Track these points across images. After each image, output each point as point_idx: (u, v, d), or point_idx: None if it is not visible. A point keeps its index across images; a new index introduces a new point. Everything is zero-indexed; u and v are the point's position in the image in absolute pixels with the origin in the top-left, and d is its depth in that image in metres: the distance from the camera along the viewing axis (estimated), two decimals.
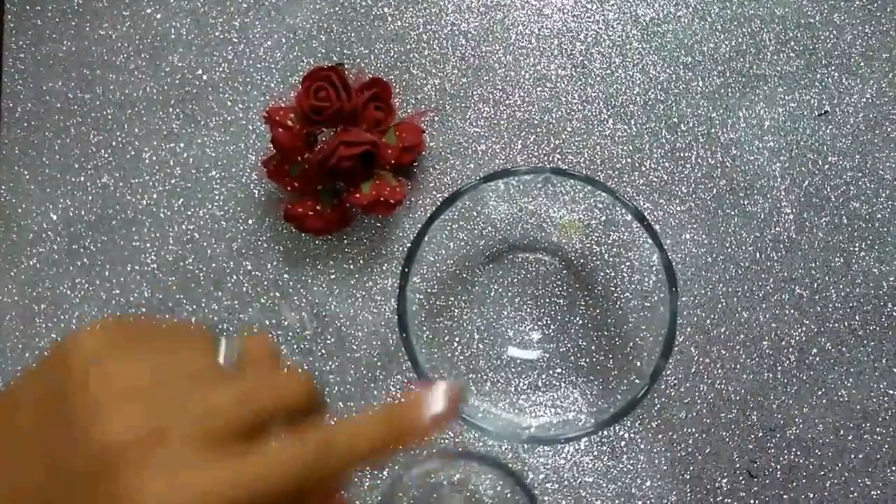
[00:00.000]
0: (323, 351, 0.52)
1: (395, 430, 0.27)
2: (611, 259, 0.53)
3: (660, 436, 0.51)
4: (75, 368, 0.24)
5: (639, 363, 0.51)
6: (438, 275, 0.53)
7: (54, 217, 0.54)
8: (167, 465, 0.22)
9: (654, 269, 0.47)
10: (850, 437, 0.51)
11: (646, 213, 0.54)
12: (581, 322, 0.53)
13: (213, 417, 0.24)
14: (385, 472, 0.51)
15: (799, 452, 0.51)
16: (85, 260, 0.54)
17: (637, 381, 0.46)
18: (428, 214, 0.49)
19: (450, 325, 0.53)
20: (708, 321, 0.53)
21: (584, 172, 0.54)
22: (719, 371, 0.52)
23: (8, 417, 0.24)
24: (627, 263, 0.53)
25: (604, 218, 0.50)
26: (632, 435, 0.51)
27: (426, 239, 0.46)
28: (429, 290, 0.53)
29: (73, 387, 0.23)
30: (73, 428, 0.23)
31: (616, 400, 0.46)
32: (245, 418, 0.24)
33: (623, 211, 0.46)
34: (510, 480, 0.46)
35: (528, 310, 0.53)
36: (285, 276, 0.53)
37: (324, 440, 0.25)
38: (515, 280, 0.53)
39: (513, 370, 0.52)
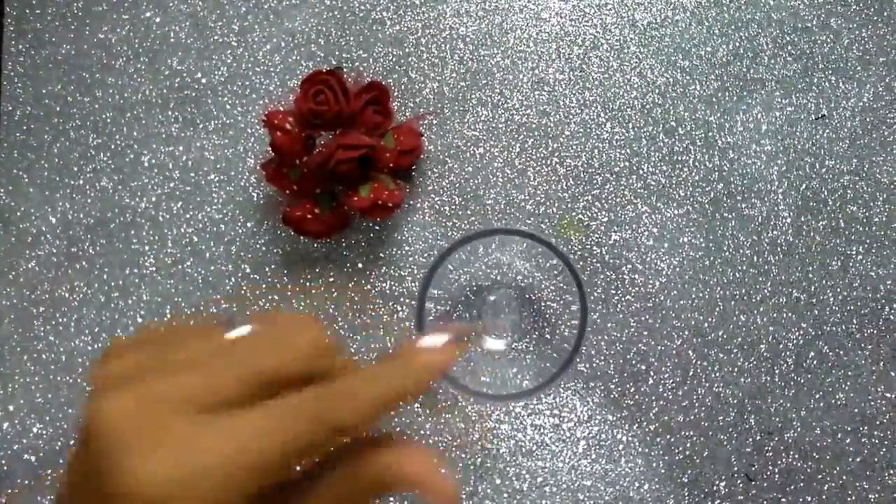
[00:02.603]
0: None
1: (405, 371, 0.26)
2: (611, 261, 0.53)
3: (658, 439, 0.51)
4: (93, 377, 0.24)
5: (641, 367, 0.51)
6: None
7: (53, 220, 0.54)
8: (162, 441, 0.22)
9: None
10: (847, 441, 0.51)
11: (644, 217, 0.54)
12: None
13: (203, 389, 0.23)
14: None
15: (797, 456, 0.51)
16: (84, 263, 0.54)
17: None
18: (426, 218, 0.49)
19: None
20: (705, 324, 0.53)
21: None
22: (717, 374, 0.52)
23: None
24: (629, 266, 0.53)
25: (605, 219, 0.50)
26: (630, 438, 0.51)
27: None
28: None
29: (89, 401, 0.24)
30: (83, 434, 0.23)
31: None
32: (241, 381, 0.24)
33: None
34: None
35: (525, 314, 0.53)
36: (284, 279, 0.54)
37: (327, 391, 0.24)
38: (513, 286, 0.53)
39: (509, 375, 0.52)
